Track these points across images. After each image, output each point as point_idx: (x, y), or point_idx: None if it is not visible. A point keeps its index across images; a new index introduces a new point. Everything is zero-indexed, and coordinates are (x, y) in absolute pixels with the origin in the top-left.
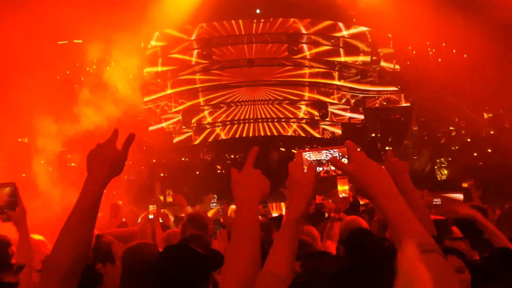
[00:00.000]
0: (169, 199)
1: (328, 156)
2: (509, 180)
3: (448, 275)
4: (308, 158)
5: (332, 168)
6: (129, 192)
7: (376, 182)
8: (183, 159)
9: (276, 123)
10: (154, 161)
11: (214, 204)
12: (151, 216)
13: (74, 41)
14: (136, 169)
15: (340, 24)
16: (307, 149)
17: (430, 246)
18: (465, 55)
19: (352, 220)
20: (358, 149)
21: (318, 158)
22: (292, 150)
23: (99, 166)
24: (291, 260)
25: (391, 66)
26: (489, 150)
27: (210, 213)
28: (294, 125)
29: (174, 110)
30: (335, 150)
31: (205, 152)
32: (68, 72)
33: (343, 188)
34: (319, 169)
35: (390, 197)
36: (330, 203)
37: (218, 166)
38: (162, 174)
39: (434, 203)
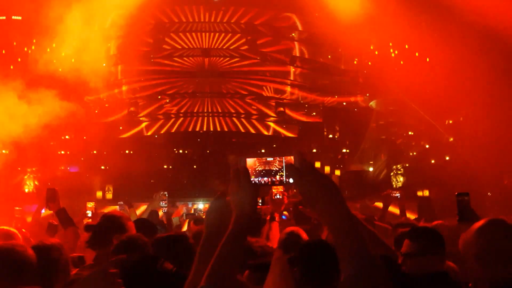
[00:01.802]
0: (109, 196)
1: (276, 167)
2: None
3: None
4: (256, 167)
5: (278, 178)
6: (66, 185)
7: (324, 199)
8: (127, 151)
9: (228, 119)
10: (94, 152)
11: (165, 203)
12: (89, 213)
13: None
14: (75, 160)
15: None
16: (253, 157)
17: (374, 268)
18: (427, 59)
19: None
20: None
21: (267, 169)
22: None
23: None
24: (234, 272)
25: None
26: (447, 158)
27: (160, 213)
28: (248, 122)
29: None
30: (280, 159)
31: (153, 146)
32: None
33: (277, 190)
34: (265, 179)
35: (339, 215)
36: (266, 207)
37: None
38: (103, 167)
39: (393, 195)
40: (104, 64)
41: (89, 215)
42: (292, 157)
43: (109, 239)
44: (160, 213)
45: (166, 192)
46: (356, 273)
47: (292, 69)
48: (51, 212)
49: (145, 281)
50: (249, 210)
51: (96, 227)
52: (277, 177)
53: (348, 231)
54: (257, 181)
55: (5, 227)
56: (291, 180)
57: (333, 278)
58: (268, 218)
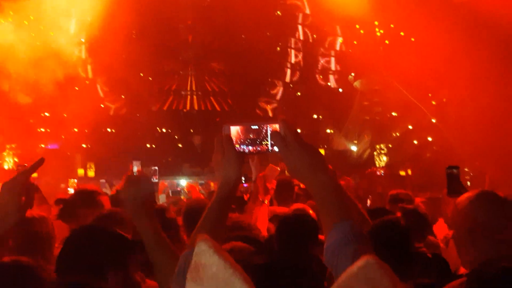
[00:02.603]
0: (91, 173)
1: (262, 133)
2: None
3: None
4: (241, 136)
5: (264, 144)
6: (46, 162)
7: (309, 168)
8: (109, 130)
9: (212, 98)
10: (75, 130)
11: (155, 178)
12: (70, 190)
13: None
14: (55, 137)
15: None
16: (236, 126)
17: (360, 236)
18: (412, 39)
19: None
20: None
21: (252, 137)
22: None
23: None
24: (218, 241)
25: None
26: (430, 139)
27: None
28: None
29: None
30: (265, 125)
31: (136, 124)
32: None
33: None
34: (250, 148)
35: (323, 184)
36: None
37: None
38: (84, 145)
39: (378, 173)
40: (83, 39)
41: (71, 192)
42: (277, 125)
43: (78, 213)
44: None
45: (156, 167)
46: (340, 240)
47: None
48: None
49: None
50: (234, 177)
51: (66, 201)
52: (263, 145)
53: (333, 201)
54: (241, 149)
55: None
56: (276, 149)
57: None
58: (247, 197)
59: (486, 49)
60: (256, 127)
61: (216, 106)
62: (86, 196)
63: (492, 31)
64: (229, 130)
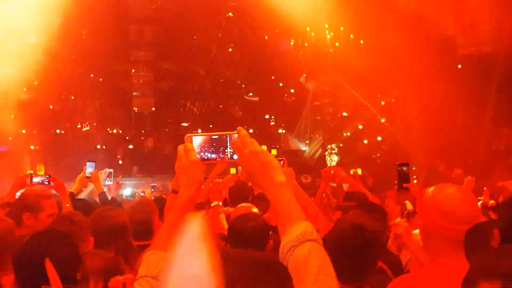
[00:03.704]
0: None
1: (223, 142)
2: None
3: (328, 262)
4: (204, 145)
5: (226, 152)
6: None
7: (265, 173)
8: (58, 131)
9: (165, 98)
10: (23, 131)
11: (110, 180)
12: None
13: None
14: (3, 139)
15: None
16: (196, 132)
17: (312, 236)
18: (361, 41)
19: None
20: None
21: (215, 145)
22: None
23: None
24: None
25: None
26: (379, 138)
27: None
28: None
29: None
30: (223, 136)
31: (84, 124)
32: None
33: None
34: (213, 156)
35: (277, 188)
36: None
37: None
38: (32, 147)
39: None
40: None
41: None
42: (236, 135)
43: (22, 217)
44: None
45: (111, 170)
46: (298, 237)
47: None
48: None
49: None
50: (195, 185)
51: (11, 204)
52: (225, 153)
53: (287, 202)
54: (205, 157)
55: None
56: (235, 157)
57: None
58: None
59: (431, 49)
60: (216, 137)
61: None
62: (30, 200)
63: (435, 31)
64: (190, 139)
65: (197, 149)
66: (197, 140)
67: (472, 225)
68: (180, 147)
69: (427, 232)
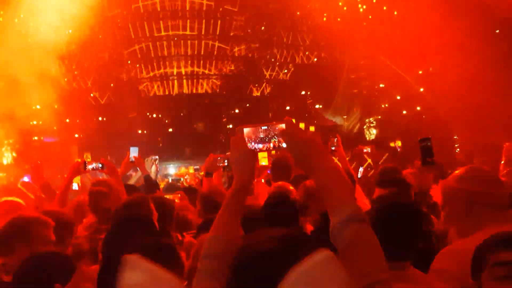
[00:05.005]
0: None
1: (270, 132)
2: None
3: (375, 241)
4: (252, 135)
5: (273, 142)
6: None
7: (314, 157)
8: (100, 118)
9: (201, 80)
10: (67, 120)
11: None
12: (74, 186)
13: None
14: (49, 130)
15: None
16: (248, 127)
17: (360, 217)
18: (395, 12)
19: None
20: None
21: (263, 136)
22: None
23: None
24: (236, 225)
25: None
26: (418, 108)
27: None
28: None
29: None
30: (272, 126)
31: (127, 111)
32: None
33: (263, 155)
34: (261, 146)
35: (326, 171)
36: None
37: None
38: (77, 135)
39: (364, 151)
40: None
41: (75, 188)
42: (283, 125)
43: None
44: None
45: (157, 157)
46: (348, 217)
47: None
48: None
49: None
50: (248, 172)
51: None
52: (272, 143)
53: (337, 186)
54: (253, 147)
55: (9, 199)
56: (283, 145)
57: None
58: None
59: (467, 18)
60: (265, 127)
61: (208, 88)
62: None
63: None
64: (242, 131)
65: (247, 140)
66: (247, 131)
67: None
68: (233, 139)
69: (469, 200)
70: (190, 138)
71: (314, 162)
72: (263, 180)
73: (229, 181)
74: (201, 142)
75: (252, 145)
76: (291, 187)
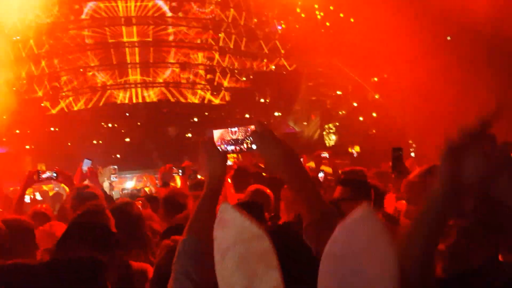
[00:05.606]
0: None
1: (240, 134)
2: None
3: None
4: (222, 138)
5: (244, 146)
6: None
7: (286, 162)
8: (52, 129)
9: (157, 89)
10: (17, 131)
11: (115, 177)
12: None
13: None
14: None
15: None
16: (219, 129)
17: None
18: (351, 20)
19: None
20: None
21: (234, 138)
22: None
23: None
24: (211, 227)
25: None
26: (374, 114)
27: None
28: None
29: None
30: (242, 128)
31: (80, 121)
32: None
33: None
34: (232, 148)
35: (298, 177)
36: None
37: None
38: (28, 147)
39: (322, 155)
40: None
41: (27, 200)
42: (253, 126)
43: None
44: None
45: (116, 166)
46: (320, 217)
47: (221, 35)
48: None
49: None
50: (219, 174)
51: None
52: (244, 145)
53: (308, 187)
54: (224, 149)
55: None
56: (254, 147)
57: None
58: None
59: (419, 26)
60: (235, 129)
61: (162, 97)
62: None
63: (424, 5)
64: (212, 133)
65: (217, 143)
66: (217, 134)
67: None
68: (202, 142)
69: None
70: (149, 148)
71: (285, 165)
72: (229, 180)
73: (194, 188)
74: (161, 150)
75: (222, 148)
76: (268, 191)
